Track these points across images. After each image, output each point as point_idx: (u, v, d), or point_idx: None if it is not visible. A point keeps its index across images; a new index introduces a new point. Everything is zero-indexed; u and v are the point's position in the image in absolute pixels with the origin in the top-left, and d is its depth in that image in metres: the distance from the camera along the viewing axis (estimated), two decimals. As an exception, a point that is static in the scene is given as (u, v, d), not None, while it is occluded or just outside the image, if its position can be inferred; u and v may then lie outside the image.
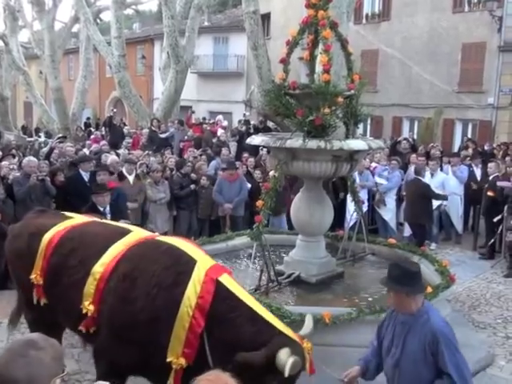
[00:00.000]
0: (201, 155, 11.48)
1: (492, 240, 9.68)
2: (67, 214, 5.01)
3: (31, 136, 19.65)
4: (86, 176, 8.90)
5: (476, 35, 19.60)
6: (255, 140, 6.25)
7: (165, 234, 9.84)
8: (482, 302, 7.70)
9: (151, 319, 3.63)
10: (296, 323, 4.87)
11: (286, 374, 3.17)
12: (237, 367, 3.09)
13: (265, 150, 10.84)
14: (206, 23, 28.11)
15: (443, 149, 15.05)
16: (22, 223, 4.93)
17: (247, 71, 26.97)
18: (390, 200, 10.76)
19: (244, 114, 19.63)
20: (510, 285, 8.56)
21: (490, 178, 10.02)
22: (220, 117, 17.73)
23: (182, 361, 3.56)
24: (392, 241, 7.62)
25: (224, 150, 11.75)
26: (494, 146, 15.71)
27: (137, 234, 4.31)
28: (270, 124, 14.67)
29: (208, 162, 11.13)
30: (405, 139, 15.13)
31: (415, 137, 18.85)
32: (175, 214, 9.87)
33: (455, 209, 10.97)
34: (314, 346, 3.69)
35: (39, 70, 30.78)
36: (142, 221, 9.68)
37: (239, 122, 17.88)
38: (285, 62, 6.14)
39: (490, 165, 10.28)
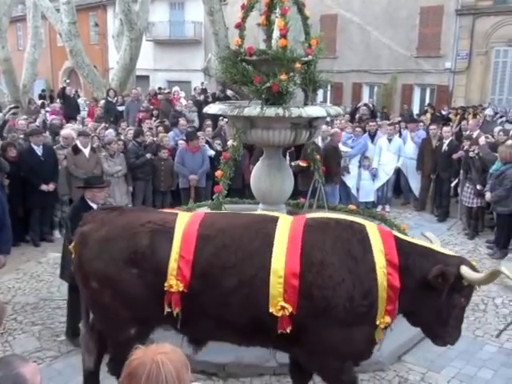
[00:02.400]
0: (157, 127, 11.24)
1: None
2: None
3: None
4: (38, 150, 8.61)
5: (434, -2, 19.70)
6: (212, 109, 6.11)
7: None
8: (439, 263, 7.92)
9: (364, 293, 3.66)
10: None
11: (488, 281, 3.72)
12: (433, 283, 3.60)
13: (225, 119, 10.70)
14: (160, -12, 27.23)
15: (401, 113, 15.23)
16: (109, 222, 3.97)
17: (205, 38, 26.41)
18: (354, 167, 10.88)
19: (202, 83, 19.26)
20: (465, 245, 8.84)
21: (447, 141, 10.20)
22: (176, 88, 17.33)
23: (388, 319, 3.69)
24: (352, 207, 7.70)
25: (181, 121, 11.52)
26: (445, 111, 15.97)
27: (285, 217, 4.02)
28: (229, 92, 14.45)
29: (165, 133, 10.91)
30: (365, 105, 15.23)
31: (375, 103, 18.99)
32: (132, 191, 9.70)
33: (413, 174, 11.17)
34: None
35: (-15, 39, 29.22)
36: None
37: (195, 89, 17.49)
38: (240, 27, 5.97)
39: (444, 129, 10.44)
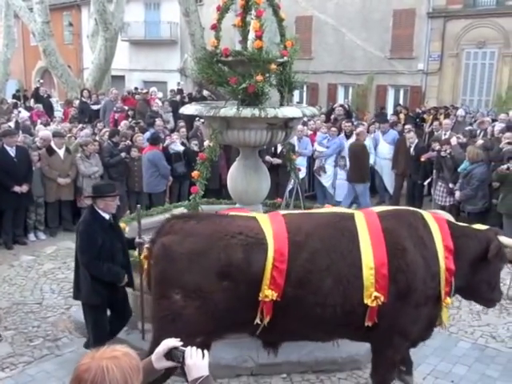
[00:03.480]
0: (133, 127, 11.14)
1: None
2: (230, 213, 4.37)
3: None
4: (11, 151, 8.45)
5: (406, 1, 20.00)
6: (188, 109, 6.09)
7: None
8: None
9: (432, 276, 3.98)
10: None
11: None
12: (493, 257, 4.07)
13: (200, 120, 10.68)
14: (135, -12, 26.99)
15: (377, 114, 15.39)
16: (192, 232, 3.86)
17: (181, 39, 26.29)
18: (329, 167, 10.97)
19: (178, 83, 19.19)
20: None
21: (413, 145, 10.41)
22: (154, 89, 17.23)
23: (448, 300, 4.10)
24: (328, 206, 7.75)
25: (158, 121, 11.45)
26: (420, 110, 16.19)
27: (357, 212, 4.25)
28: (206, 93, 14.44)
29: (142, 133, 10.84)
30: (341, 106, 15.36)
31: (350, 103, 19.17)
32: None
33: (388, 173, 11.32)
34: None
35: (-45, 38, 28.56)
36: (76, 196, 9.37)
37: (171, 91, 17.35)
38: (216, 28, 5.95)
39: (408, 135, 10.61)
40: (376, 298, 3.81)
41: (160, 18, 27.39)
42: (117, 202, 5.23)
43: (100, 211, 4.81)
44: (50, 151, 9.02)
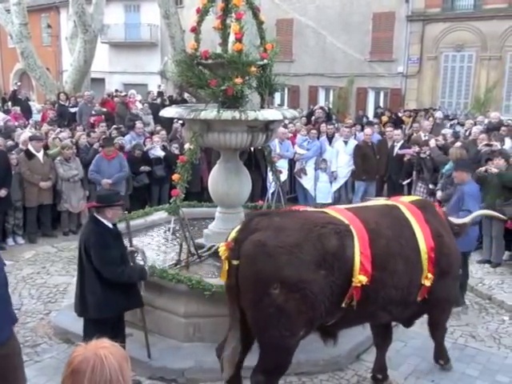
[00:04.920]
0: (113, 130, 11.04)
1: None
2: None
3: None
4: (-12, 155, 8.31)
5: (386, 4, 20.20)
6: (169, 112, 6.07)
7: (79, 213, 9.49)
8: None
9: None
10: (217, 295, 4.89)
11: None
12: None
13: (179, 121, 10.63)
14: (114, -11, 26.77)
15: (357, 117, 15.48)
16: (282, 227, 3.97)
17: (161, 41, 26.18)
18: (310, 169, 11.00)
19: (159, 86, 19.07)
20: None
21: (399, 144, 10.50)
22: (133, 91, 17.03)
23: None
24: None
25: (138, 124, 11.35)
26: (400, 113, 16.35)
27: (399, 204, 4.72)
28: (186, 95, 14.38)
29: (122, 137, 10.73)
30: (321, 108, 15.43)
31: (331, 106, 19.27)
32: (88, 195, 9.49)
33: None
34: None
35: None
36: (55, 200, 9.24)
37: (149, 93, 16.98)
38: (195, 30, 5.94)
39: (395, 132, 10.70)
40: (429, 278, 4.38)
41: (140, 20, 27.24)
42: (122, 211, 5.13)
43: (104, 221, 4.63)
44: (29, 155, 8.88)
